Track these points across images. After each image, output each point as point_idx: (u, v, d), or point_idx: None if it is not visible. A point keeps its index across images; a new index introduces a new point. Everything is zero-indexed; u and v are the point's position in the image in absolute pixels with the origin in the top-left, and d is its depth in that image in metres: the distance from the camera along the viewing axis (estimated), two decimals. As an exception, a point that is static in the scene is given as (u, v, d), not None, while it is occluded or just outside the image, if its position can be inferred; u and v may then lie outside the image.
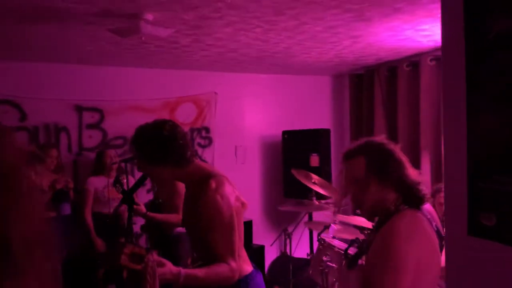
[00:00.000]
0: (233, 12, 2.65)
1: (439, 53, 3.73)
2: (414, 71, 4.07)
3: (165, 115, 4.70)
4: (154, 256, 1.61)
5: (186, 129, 4.67)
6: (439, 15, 2.79)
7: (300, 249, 4.61)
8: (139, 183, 2.07)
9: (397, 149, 1.65)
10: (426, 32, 3.23)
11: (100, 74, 4.36)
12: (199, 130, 4.83)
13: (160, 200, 3.07)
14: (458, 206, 0.91)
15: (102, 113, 4.46)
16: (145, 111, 4.62)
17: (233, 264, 1.82)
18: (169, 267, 1.68)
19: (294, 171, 3.85)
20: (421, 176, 1.60)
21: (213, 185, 1.82)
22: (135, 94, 4.54)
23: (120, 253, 1.56)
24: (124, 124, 4.52)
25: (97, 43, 3.39)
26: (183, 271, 1.71)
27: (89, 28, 2.94)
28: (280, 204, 4.53)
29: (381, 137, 1.71)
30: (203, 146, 4.84)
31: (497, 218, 0.82)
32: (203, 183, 1.84)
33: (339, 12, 2.70)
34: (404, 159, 1.63)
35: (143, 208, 2.81)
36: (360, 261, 2.01)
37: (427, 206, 1.61)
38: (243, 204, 2.02)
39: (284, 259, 4.53)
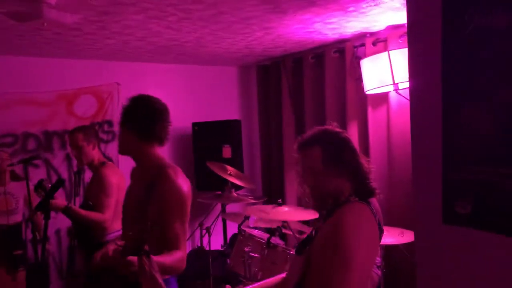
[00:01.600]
0: (148, -1, 2.49)
1: (342, 45, 3.97)
2: (319, 62, 4.24)
3: (61, 109, 4.31)
4: None
5: (87, 123, 4.32)
6: (349, 10, 2.92)
7: (212, 241, 4.58)
8: (57, 186, 1.86)
9: (350, 138, 1.68)
10: (334, 25, 3.38)
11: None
12: (100, 124, 4.50)
13: (91, 203, 2.81)
14: (432, 196, 0.94)
15: (-14, 108, 3.93)
16: (38, 105, 4.19)
17: (185, 251, 1.83)
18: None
19: (209, 164, 3.80)
20: (369, 164, 1.66)
21: (172, 172, 1.86)
22: (26, 86, 4.07)
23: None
24: (13, 119, 4.05)
25: (-18, 28, 2.96)
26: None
27: (-25, 11, 2.54)
28: (194, 198, 4.42)
29: (333, 126, 1.72)
30: (106, 141, 4.53)
31: (472, 206, 0.87)
32: (162, 169, 1.86)
33: (257, 3, 2.69)
34: (356, 147, 1.68)
35: (62, 201, 2.54)
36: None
37: (374, 200, 1.67)
38: None
39: (197, 253, 4.46)
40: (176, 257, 1.78)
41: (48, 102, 4.22)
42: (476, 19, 0.85)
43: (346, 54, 3.90)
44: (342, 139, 1.64)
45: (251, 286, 2.03)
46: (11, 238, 3.17)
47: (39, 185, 2.12)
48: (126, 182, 3.13)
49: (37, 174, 4.04)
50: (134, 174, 2.15)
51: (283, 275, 2.02)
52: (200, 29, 3.28)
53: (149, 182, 1.90)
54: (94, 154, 3.09)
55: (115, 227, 2.82)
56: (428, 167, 0.98)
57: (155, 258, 1.66)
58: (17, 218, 3.36)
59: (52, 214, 2.67)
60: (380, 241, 1.62)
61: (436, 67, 0.95)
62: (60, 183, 1.88)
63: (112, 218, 2.85)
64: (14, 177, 3.46)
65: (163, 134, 1.99)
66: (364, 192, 1.60)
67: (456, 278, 0.92)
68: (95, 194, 2.89)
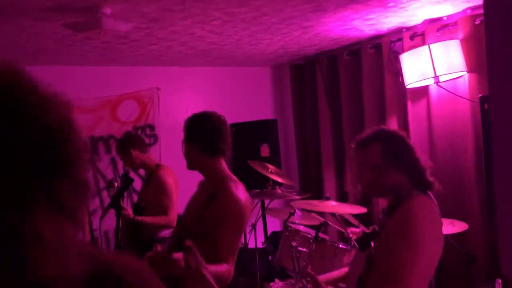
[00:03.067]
0: (197, 4, 2.60)
1: (378, 41, 4.00)
2: (354, 59, 4.28)
3: (105, 114, 4.48)
4: None
5: (129, 127, 4.48)
6: (389, 5, 2.96)
7: (253, 240, 4.66)
8: (125, 186, 1.98)
9: (406, 137, 1.76)
10: (372, 21, 3.43)
11: (35, 74, 4.01)
12: (143, 128, 4.66)
13: (143, 204, 2.93)
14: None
15: (38, 116, 4.12)
16: (84, 111, 4.36)
17: (232, 267, 1.84)
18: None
19: (251, 162, 3.88)
20: (426, 161, 1.72)
21: (233, 185, 1.88)
22: (72, 93, 4.17)
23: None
24: (61, 126, 4.23)
25: (37, 41, 3.13)
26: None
27: (35, 25, 2.71)
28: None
29: (388, 126, 1.82)
30: (149, 145, 4.68)
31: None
32: (223, 182, 1.90)
33: (300, 3, 2.77)
34: (413, 145, 1.75)
35: (130, 213, 2.67)
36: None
37: (430, 193, 1.73)
38: None
39: (241, 251, 4.55)
40: (220, 269, 1.78)
41: (93, 108, 4.40)
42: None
43: (383, 49, 3.93)
44: (399, 137, 1.73)
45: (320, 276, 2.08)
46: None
47: (110, 184, 2.24)
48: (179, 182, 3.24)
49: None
50: (200, 186, 2.20)
51: (345, 269, 2.08)
52: (241, 31, 3.37)
53: (211, 192, 1.94)
54: (143, 157, 3.20)
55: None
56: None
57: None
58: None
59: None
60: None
61: None
62: (129, 181, 1.99)
63: (175, 218, 2.96)
64: None
65: (226, 148, 2.06)
66: (423, 185, 1.66)
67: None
68: (156, 197, 2.99)
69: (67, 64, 4.09)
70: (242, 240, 4.41)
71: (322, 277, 2.05)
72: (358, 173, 1.74)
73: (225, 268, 1.81)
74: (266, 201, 4.73)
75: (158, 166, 3.17)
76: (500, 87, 1.06)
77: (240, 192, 1.92)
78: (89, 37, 3.14)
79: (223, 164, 2.03)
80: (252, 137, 4.69)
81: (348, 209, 3.06)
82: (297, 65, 5.04)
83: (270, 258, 4.22)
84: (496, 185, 1.11)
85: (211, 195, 1.92)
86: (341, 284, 1.96)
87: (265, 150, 4.64)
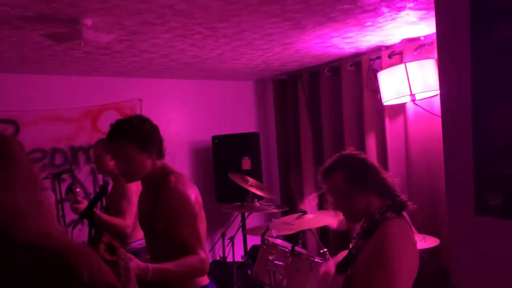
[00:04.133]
0: (177, 18, 2.64)
1: (358, 58, 4.09)
2: (335, 75, 4.36)
3: (87, 125, 4.47)
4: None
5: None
6: (366, 24, 3.04)
7: (234, 253, 4.66)
8: (99, 196, 1.98)
9: (368, 158, 1.79)
10: (351, 39, 3.50)
11: (14, 82, 4.01)
12: (124, 139, 4.65)
13: (112, 211, 2.93)
14: (464, 188, 1.02)
15: (17, 125, 4.09)
16: (65, 121, 4.35)
17: (202, 254, 1.84)
18: (137, 262, 1.68)
19: (231, 175, 3.90)
20: (392, 178, 1.75)
21: (173, 178, 1.89)
22: (53, 103, 4.24)
23: (98, 241, 1.54)
24: (42, 136, 4.21)
25: (19, 50, 3.13)
26: (150, 265, 1.71)
27: (15, 34, 2.71)
28: (212, 210, 4.52)
29: (350, 150, 1.85)
30: (130, 155, 4.67)
31: (503, 198, 0.96)
32: (164, 178, 1.90)
33: (279, 20, 2.83)
34: (377, 165, 1.78)
35: (84, 205, 2.65)
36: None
37: (405, 213, 1.76)
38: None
39: (219, 264, 4.54)
40: (189, 261, 1.79)
41: (74, 118, 4.38)
42: (502, 33, 0.95)
43: (363, 66, 4.01)
44: (360, 159, 1.75)
45: None
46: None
47: (69, 189, 2.22)
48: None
49: (64, 187, 4.19)
50: (143, 184, 2.14)
51: None
52: (223, 46, 3.42)
53: (153, 193, 1.94)
54: (112, 164, 3.20)
55: (138, 235, 2.91)
56: (460, 163, 1.06)
57: (160, 266, 1.71)
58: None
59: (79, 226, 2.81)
60: None
61: (465, 73, 1.04)
62: (103, 191, 1.99)
63: (133, 225, 2.95)
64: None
65: (162, 146, 2.01)
66: (397, 206, 1.68)
67: (489, 268, 1.00)
68: (116, 201, 3.00)
69: (49, 73, 4.08)
70: (220, 253, 4.42)
71: None
72: (333, 202, 1.76)
73: (197, 259, 1.81)
74: (247, 214, 4.75)
75: None
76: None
77: (180, 183, 1.90)
78: (70, 47, 3.16)
79: (163, 162, 2.00)
80: (234, 149, 4.72)
81: (325, 220, 3.09)
82: (280, 80, 5.11)
83: (249, 272, 4.21)
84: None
85: (154, 197, 1.92)
86: None
87: (246, 163, 4.67)
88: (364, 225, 1.72)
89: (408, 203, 1.72)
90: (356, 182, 1.67)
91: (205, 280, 1.97)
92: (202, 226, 1.95)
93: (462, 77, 1.07)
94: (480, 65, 1.03)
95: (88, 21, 2.51)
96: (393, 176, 1.76)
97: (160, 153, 1.96)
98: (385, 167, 3.88)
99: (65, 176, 4.25)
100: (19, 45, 3.00)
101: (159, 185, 1.90)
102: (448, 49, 1.14)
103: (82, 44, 2.53)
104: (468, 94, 1.05)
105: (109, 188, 3.64)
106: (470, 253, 1.06)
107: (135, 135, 1.88)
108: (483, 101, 1.02)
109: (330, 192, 1.75)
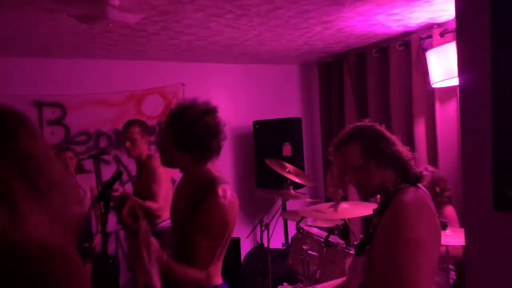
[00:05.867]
0: (205, -4, 2.54)
1: (408, 37, 3.79)
2: (383, 57, 4.08)
3: (130, 109, 4.53)
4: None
5: (154, 122, 4.51)
6: (413, -2, 2.78)
7: (274, 240, 4.57)
8: (116, 177, 1.94)
9: (385, 129, 1.65)
10: (397, 16, 3.24)
11: (60, 67, 4.13)
12: (167, 123, 4.68)
13: (138, 196, 2.93)
14: (482, 181, 0.86)
15: (64, 108, 4.23)
16: (109, 105, 4.44)
17: (204, 275, 1.76)
18: (157, 245, 1.64)
19: (267, 161, 3.79)
20: (410, 152, 1.60)
21: (221, 192, 1.73)
22: (98, 87, 4.33)
23: (123, 204, 1.56)
24: (87, 119, 4.32)
25: (56, 34, 3.19)
26: (166, 257, 1.67)
27: (48, 16, 2.75)
28: (252, 196, 4.46)
29: (366, 121, 1.70)
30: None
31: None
32: (210, 186, 1.74)
33: (313, -5, 2.65)
34: (394, 137, 1.63)
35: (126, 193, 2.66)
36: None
37: (422, 185, 1.61)
38: None
39: (259, 250, 4.48)
40: (189, 273, 1.72)
41: (118, 102, 4.46)
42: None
43: (412, 46, 3.72)
44: (376, 131, 1.62)
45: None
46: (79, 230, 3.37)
47: (117, 177, 2.18)
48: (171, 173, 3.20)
49: (108, 170, 4.29)
50: (184, 180, 2.01)
51: (343, 278, 1.96)
52: (258, 26, 3.29)
53: (199, 193, 1.79)
54: (144, 149, 3.19)
55: (166, 215, 2.88)
56: (478, 150, 0.90)
57: (172, 264, 1.68)
58: (85, 209, 3.56)
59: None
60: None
61: (485, 53, 0.88)
62: (118, 174, 1.96)
63: (164, 206, 2.93)
64: (80, 170, 3.68)
65: (210, 151, 1.80)
66: (411, 178, 1.56)
67: (507, 267, 0.83)
68: (146, 185, 2.99)
69: (90, 58, 4.16)
70: (258, 239, 4.34)
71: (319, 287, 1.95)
72: (340, 177, 1.63)
73: (198, 275, 1.73)
74: (288, 202, 4.63)
75: (149, 156, 3.18)
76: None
77: (228, 199, 1.75)
78: (104, 30, 3.17)
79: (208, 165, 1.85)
80: (275, 135, 4.60)
81: (361, 211, 2.91)
82: (325, 63, 4.89)
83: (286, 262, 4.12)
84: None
85: (200, 197, 1.77)
86: None
87: (287, 149, 4.53)
88: (380, 201, 1.58)
89: (424, 173, 1.60)
90: (374, 155, 1.55)
91: (218, 280, 1.88)
92: (227, 238, 1.82)
93: (482, 58, 0.89)
94: (500, 45, 0.85)
95: (115, 1, 2.48)
96: (408, 150, 1.60)
97: (202, 157, 1.78)
98: (435, 156, 3.59)
99: (109, 158, 4.36)
100: (56, 29, 3.05)
101: (204, 190, 1.76)
102: (467, 28, 0.95)
103: (110, 25, 2.50)
104: (489, 78, 0.87)
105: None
106: (486, 253, 0.88)
107: (174, 126, 1.76)
108: (503, 86, 0.84)
109: (344, 165, 1.62)
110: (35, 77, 4.03)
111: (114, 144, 4.46)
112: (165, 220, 3.03)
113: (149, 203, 2.97)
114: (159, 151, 1.87)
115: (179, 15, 2.91)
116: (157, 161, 3.07)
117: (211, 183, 1.76)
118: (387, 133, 1.62)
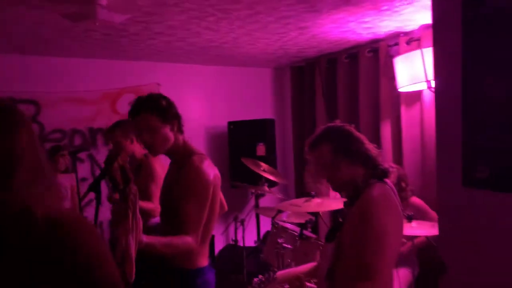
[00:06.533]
0: (192, 0, 2.66)
1: (376, 45, 4.03)
2: (353, 62, 4.31)
3: (105, 107, 4.56)
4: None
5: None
6: (382, 8, 2.99)
7: (246, 238, 4.70)
8: (106, 170, 2.01)
9: (354, 129, 1.81)
10: (368, 24, 3.46)
11: (36, 64, 4.12)
12: (142, 122, 4.73)
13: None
14: (453, 162, 1.02)
15: (39, 105, 4.22)
16: (84, 103, 4.45)
17: (191, 238, 1.84)
18: (141, 223, 1.70)
19: (244, 160, 3.93)
20: (378, 149, 1.78)
21: (197, 158, 1.93)
22: (73, 85, 4.35)
23: (114, 159, 1.61)
24: (62, 117, 4.33)
25: (38, 31, 3.21)
26: (145, 238, 1.71)
27: (33, 14, 2.79)
28: (226, 195, 4.54)
29: (336, 122, 1.86)
30: (147, 139, 4.75)
31: (490, 170, 0.95)
32: (188, 157, 1.93)
33: (293, 2, 2.82)
34: (362, 136, 1.80)
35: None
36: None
37: (389, 180, 1.77)
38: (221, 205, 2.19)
39: (233, 247, 4.60)
40: (177, 241, 1.80)
41: (93, 100, 4.48)
42: (494, 1, 0.94)
43: (380, 53, 3.96)
44: (346, 131, 1.77)
45: (282, 271, 2.13)
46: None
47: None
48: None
49: (82, 168, 4.31)
50: (171, 165, 2.19)
51: (314, 263, 2.12)
52: (237, 29, 3.43)
53: (177, 171, 1.99)
54: (134, 148, 3.23)
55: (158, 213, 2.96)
56: (450, 135, 1.06)
57: (152, 241, 1.73)
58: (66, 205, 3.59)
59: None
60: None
61: (458, 58, 1.03)
62: (109, 164, 2.03)
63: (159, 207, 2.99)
64: (66, 170, 3.71)
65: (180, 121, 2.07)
66: (379, 174, 1.71)
67: (475, 240, 0.99)
68: (144, 184, 3.04)
69: (70, 56, 4.18)
70: (233, 236, 4.47)
71: (288, 270, 2.09)
72: (315, 173, 1.79)
73: (183, 240, 1.81)
74: (261, 201, 4.77)
75: (146, 156, 3.23)
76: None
77: (205, 165, 1.94)
78: (89, 28, 3.22)
79: (185, 139, 2.06)
80: (249, 136, 4.74)
81: (333, 205, 3.09)
82: (297, 67, 5.09)
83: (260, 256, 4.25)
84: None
85: (176, 170, 1.98)
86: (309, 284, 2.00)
87: (261, 149, 4.68)
88: (350, 194, 1.74)
89: (390, 169, 1.75)
90: (343, 153, 1.70)
91: (204, 261, 1.99)
92: (212, 210, 1.97)
93: (455, 62, 1.06)
94: (471, 35, 1.02)
95: (104, 1, 2.55)
96: (376, 148, 1.77)
97: (180, 127, 2.03)
98: (400, 155, 3.83)
99: (83, 157, 4.38)
100: (38, 26, 3.08)
101: (183, 163, 1.95)
102: (441, 37, 1.13)
103: (97, 23, 2.57)
104: (459, 65, 1.04)
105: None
106: (457, 225, 1.06)
107: (155, 107, 1.96)
108: (473, 72, 1.01)
109: (317, 163, 1.78)
110: (9, 73, 4.01)
111: (88, 142, 4.48)
112: (155, 217, 3.09)
113: (144, 204, 3.00)
114: (146, 143, 2.00)
115: (162, 17, 3.01)
116: (153, 160, 3.14)
117: (190, 154, 1.97)
118: (356, 133, 1.77)
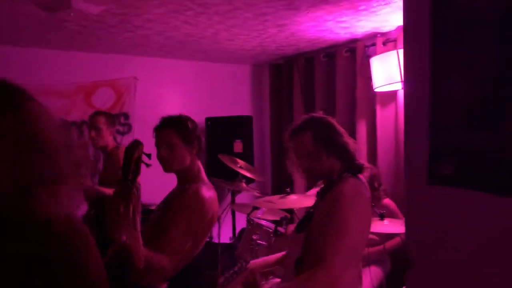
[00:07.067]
0: (169, -7, 2.64)
1: (354, 45, 4.08)
2: (330, 61, 4.35)
3: (80, 100, 4.48)
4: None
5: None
6: (360, 8, 3.03)
7: (223, 234, 4.69)
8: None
9: (335, 121, 1.84)
10: (345, 24, 3.49)
11: (7, 55, 4.01)
12: (117, 116, 4.66)
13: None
14: (419, 160, 1.04)
15: (10, 96, 4.11)
16: (59, 95, 4.36)
17: (168, 264, 1.84)
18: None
19: (220, 156, 3.92)
20: (356, 144, 1.80)
21: (201, 187, 1.97)
22: (47, 77, 4.24)
23: (136, 148, 1.66)
24: (35, 109, 4.22)
25: (12, 21, 3.13)
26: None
27: (6, 3, 2.71)
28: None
29: (319, 113, 1.89)
30: (122, 133, 4.69)
31: (455, 166, 0.97)
32: (194, 181, 1.99)
33: (271, -1, 2.82)
34: (342, 129, 1.83)
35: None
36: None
37: (362, 176, 1.80)
38: None
39: (207, 243, 4.58)
40: (156, 257, 1.79)
41: (67, 93, 4.39)
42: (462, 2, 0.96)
43: (357, 53, 4.01)
44: (328, 122, 1.80)
45: (255, 260, 2.15)
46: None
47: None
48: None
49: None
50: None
51: (283, 253, 2.14)
52: (216, 25, 3.41)
53: (180, 191, 2.03)
54: (110, 140, 3.26)
55: None
56: (418, 133, 1.07)
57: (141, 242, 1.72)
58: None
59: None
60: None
61: (426, 59, 1.05)
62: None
63: None
64: None
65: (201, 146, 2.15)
66: (353, 169, 1.73)
67: (442, 237, 1.01)
68: (113, 175, 3.03)
69: (44, 46, 4.09)
70: (212, 235, 4.45)
71: (259, 260, 2.10)
72: (296, 161, 1.80)
73: (162, 260, 1.81)
74: (237, 197, 4.77)
75: (116, 147, 3.24)
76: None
77: (206, 196, 1.97)
78: (65, 19, 3.15)
79: (201, 168, 2.13)
80: (226, 132, 4.73)
81: (308, 202, 3.11)
82: (276, 65, 5.10)
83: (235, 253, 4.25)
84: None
85: (182, 192, 2.01)
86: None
87: (238, 146, 4.68)
88: (324, 186, 1.77)
89: (365, 166, 1.78)
90: (324, 143, 1.72)
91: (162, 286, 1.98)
92: (198, 243, 2.02)
93: (423, 63, 1.08)
94: (440, 37, 1.04)
95: (79, -9, 2.51)
96: (354, 143, 1.80)
97: (199, 153, 2.12)
98: (375, 155, 3.89)
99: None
100: (13, 15, 3.00)
101: (187, 187, 2.00)
102: (411, 38, 1.15)
103: (72, 14, 2.52)
104: (428, 78, 1.06)
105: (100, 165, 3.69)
106: (422, 222, 1.08)
107: (179, 125, 2.04)
108: (441, 73, 1.03)
109: (296, 151, 1.79)
110: (-19, 64, 3.90)
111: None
112: None
113: (109, 190, 2.99)
114: (162, 157, 2.03)
115: (140, 9, 2.97)
116: (122, 152, 3.12)
117: (196, 181, 2.03)
118: (337, 125, 1.81)
